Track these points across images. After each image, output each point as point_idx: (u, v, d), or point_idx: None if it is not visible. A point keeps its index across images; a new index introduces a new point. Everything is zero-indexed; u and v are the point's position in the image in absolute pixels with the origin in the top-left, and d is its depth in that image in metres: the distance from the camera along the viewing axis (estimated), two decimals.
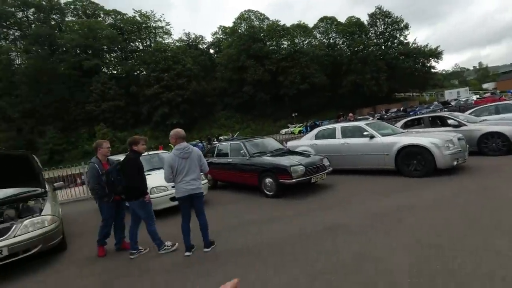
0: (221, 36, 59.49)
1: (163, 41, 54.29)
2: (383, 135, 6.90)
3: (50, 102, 42.26)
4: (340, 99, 47.08)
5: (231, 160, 7.01)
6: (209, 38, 72.92)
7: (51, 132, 40.34)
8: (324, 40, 53.01)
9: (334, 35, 52.12)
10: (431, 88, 58.89)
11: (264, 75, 44.12)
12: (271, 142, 7.55)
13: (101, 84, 43.99)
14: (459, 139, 6.27)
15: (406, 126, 9.25)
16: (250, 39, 46.12)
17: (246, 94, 45.26)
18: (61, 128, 42.37)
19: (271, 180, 5.97)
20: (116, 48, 51.86)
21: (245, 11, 52.10)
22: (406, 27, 50.43)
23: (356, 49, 47.70)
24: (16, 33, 48.86)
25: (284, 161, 5.90)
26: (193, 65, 47.47)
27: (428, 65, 50.30)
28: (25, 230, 3.66)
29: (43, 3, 49.89)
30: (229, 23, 76.77)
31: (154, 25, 55.89)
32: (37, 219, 3.85)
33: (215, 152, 7.81)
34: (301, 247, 3.51)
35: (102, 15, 55.45)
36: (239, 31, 49.80)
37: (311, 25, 53.36)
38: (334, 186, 6.41)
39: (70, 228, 5.98)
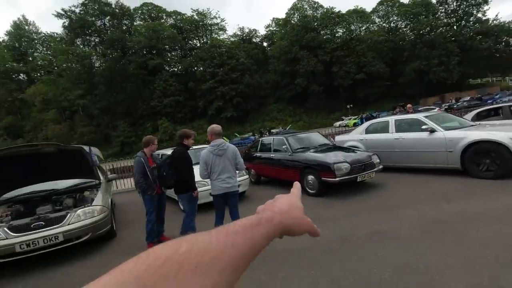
0: (274, 28, 59.05)
1: (218, 37, 56.27)
2: (447, 128, 6.00)
3: (122, 99, 47.36)
4: (400, 88, 42.95)
5: (273, 155, 6.89)
6: (262, 31, 73.11)
7: (122, 127, 45.39)
8: (383, 24, 48.65)
9: (395, 18, 47.39)
10: None
11: (317, 66, 42.62)
12: (316, 137, 7.19)
13: (163, 82, 47.70)
14: None
15: (478, 117, 7.92)
16: (303, 29, 44.82)
17: (299, 86, 44.37)
18: (130, 123, 47.34)
19: (313, 177, 5.67)
20: (176, 47, 55.50)
21: (298, 0, 50.73)
22: (486, 1, 43.16)
23: (421, 32, 42.62)
24: (96, 40, 55.69)
25: (328, 157, 5.55)
26: (246, 59, 48.25)
27: None
28: (77, 218, 4.03)
29: (117, 10, 55.90)
30: (282, 15, 75.80)
31: (210, 22, 58.23)
32: (88, 209, 4.20)
33: (259, 147, 7.76)
34: (334, 255, 3.24)
35: (164, 17, 59.67)
36: (292, 21, 48.73)
37: (369, 9, 49.55)
38: (384, 186, 5.82)
39: (124, 216, 6.54)
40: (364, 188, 5.80)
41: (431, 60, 38.80)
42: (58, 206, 4.49)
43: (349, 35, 45.41)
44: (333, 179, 5.23)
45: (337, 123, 36.75)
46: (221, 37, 57.72)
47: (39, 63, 58.27)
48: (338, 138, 8.36)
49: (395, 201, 4.78)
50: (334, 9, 47.35)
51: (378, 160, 5.87)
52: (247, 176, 6.38)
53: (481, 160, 5.31)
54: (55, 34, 56.07)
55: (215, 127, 3.85)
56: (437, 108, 23.39)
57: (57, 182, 4.93)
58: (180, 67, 54.21)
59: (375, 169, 5.65)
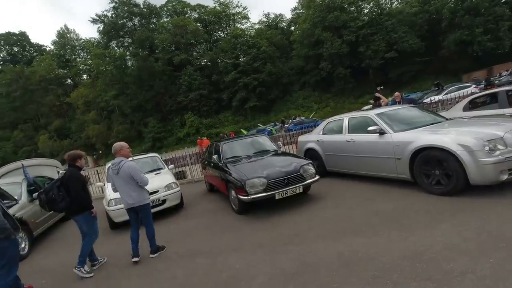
0: (300, 10, 56.03)
1: (242, 26, 55.30)
2: (406, 128, 4.82)
3: (151, 96, 49.25)
4: (441, 63, 38.07)
5: (213, 163, 6.33)
6: (289, 15, 70.03)
7: (152, 123, 47.51)
8: None
9: None
10: None
11: (341, 48, 39.56)
12: (260, 142, 6.39)
13: (188, 76, 48.48)
14: None
15: (472, 106, 6.39)
16: (326, 8, 41.67)
17: (323, 71, 41.80)
18: (160, 119, 49.31)
19: (234, 193, 5.04)
20: (201, 41, 55.69)
21: None
22: None
23: None
24: (129, 40, 58.27)
25: (244, 171, 4.85)
26: (268, 46, 46.76)
27: None
28: None
29: (144, 10, 57.81)
30: None
31: (232, 11, 57.35)
32: None
33: (213, 152, 7.22)
34: None
35: (189, 11, 60.14)
36: (315, 1, 45.60)
37: None
38: (317, 202, 4.92)
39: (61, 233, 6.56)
40: (302, 203, 4.98)
41: (475, 29, 33.34)
42: None
43: (379, 10, 41.19)
44: (246, 197, 4.54)
45: (366, 107, 34.17)
46: (245, 25, 56.73)
47: (80, 67, 63.33)
48: (301, 138, 7.44)
49: (314, 229, 3.88)
50: None
51: (312, 171, 4.98)
52: (178, 189, 5.93)
53: (431, 170, 4.19)
54: (93, 39, 60.13)
55: (115, 146, 4.03)
56: (473, 86, 20.19)
57: None
58: (204, 61, 54.59)
59: (303, 183, 4.79)
